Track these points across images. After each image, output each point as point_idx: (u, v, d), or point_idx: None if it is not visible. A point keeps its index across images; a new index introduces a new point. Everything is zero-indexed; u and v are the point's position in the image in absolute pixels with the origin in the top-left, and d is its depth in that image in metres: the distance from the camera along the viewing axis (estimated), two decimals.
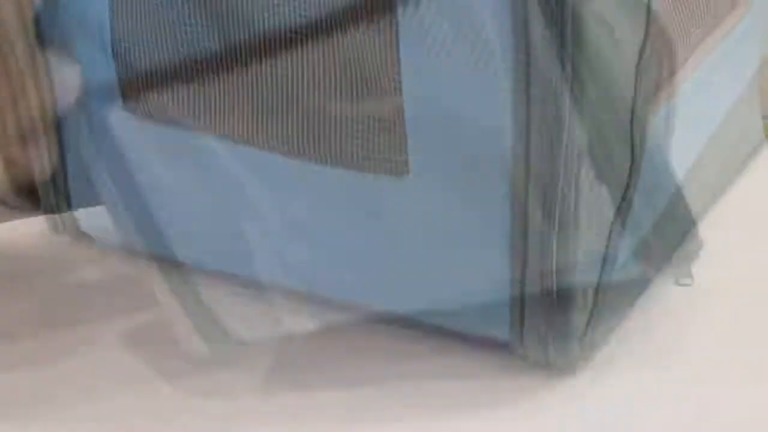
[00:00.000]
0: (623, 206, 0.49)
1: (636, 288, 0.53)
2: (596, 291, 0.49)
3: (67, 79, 0.55)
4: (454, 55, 0.45)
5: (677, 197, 0.53)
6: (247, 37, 0.51)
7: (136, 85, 0.53)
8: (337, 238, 0.52)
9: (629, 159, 0.49)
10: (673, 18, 0.52)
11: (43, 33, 0.54)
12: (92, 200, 0.57)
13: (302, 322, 0.54)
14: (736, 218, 0.61)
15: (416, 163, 0.48)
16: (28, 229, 0.61)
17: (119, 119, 0.54)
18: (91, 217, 0.58)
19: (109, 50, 0.53)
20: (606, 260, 0.49)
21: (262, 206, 0.53)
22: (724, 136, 0.60)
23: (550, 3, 0.42)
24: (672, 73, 0.53)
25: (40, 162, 0.56)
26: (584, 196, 0.47)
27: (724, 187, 0.63)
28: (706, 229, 0.56)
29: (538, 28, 0.42)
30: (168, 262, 0.57)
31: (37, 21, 0.54)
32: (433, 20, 0.45)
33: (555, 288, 0.48)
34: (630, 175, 0.49)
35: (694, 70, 0.54)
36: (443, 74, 0.46)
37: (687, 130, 0.54)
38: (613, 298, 0.50)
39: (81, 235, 0.59)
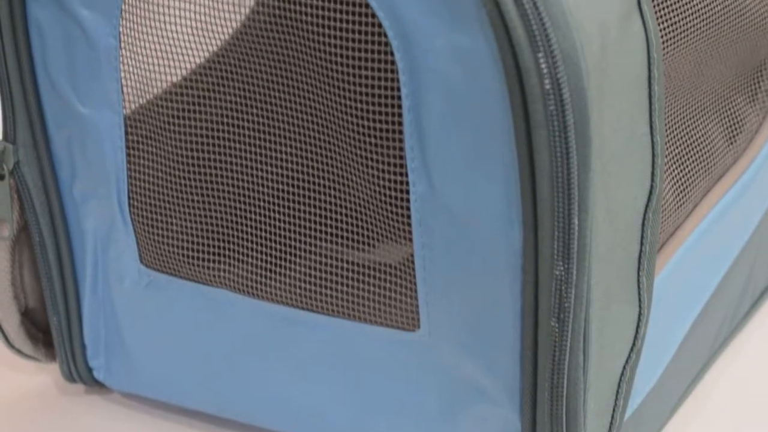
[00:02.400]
0: (632, 357, 0.50)
1: None
2: None
3: None
4: (464, 209, 0.46)
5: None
6: (259, 191, 0.52)
7: (151, 242, 0.54)
8: (342, 390, 0.52)
9: (637, 309, 0.49)
10: (678, 169, 0.53)
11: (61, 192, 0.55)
12: (107, 350, 0.58)
13: None
14: (745, 364, 0.61)
15: (426, 316, 0.49)
16: (42, 379, 0.62)
17: (135, 272, 0.55)
18: (105, 366, 0.58)
19: (126, 210, 0.54)
20: (615, 412, 0.50)
21: (270, 357, 0.53)
22: (732, 283, 0.60)
23: (555, 162, 0.43)
24: (679, 222, 0.54)
25: (55, 311, 0.57)
26: (594, 353, 0.47)
27: (732, 333, 0.63)
28: (714, 378, 0.56)
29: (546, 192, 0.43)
30: (183, 412, 0.58)
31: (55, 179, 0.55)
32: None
33: None
34: (638, 327, 0.50)
35: (701, 220, 0.55)
36: (454, 224, 0.47)
37: (691, 280, 0.55)
38: None
39: (95, 384, 0.60)
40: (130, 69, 0.52)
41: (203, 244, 0.54)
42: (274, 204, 0.52)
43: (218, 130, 0.53)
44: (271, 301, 0.52)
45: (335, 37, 0.47)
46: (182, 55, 0.52)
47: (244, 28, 0.54)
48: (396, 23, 0.44)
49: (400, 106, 0.46)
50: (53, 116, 0.53)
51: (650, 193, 0.48)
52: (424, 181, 0.46)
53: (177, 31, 0.51)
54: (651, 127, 0.48)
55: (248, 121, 0.52)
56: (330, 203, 0.51)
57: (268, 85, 0.51)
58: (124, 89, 0.52)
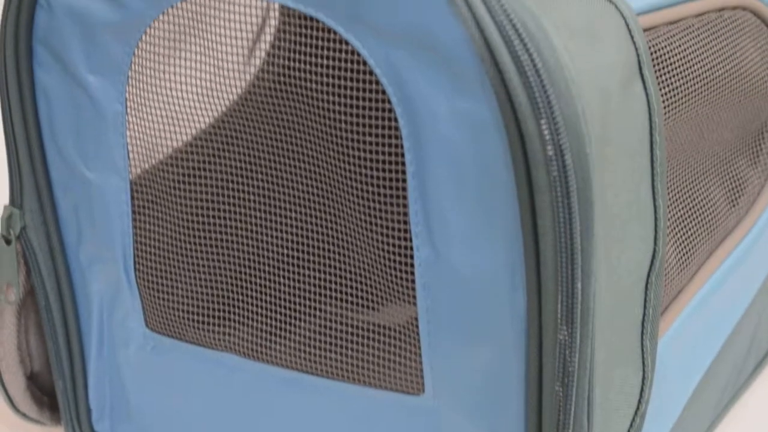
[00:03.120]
0: (636, 421, 0.50)
1: None
2: None
3: None
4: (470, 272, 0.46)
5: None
6: (263, 254, 0.52)
7: (156, 306, 0.54)
8: None
9: (641, 373, 0.49)
10: (681, 232, 0.53)
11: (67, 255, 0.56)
12: (112, 413, 0.58)
13: None
14: (749, 426, 0.61)
15: (430, 380, 0.49)
16: None
17: (140, 336, 0.55)
18: (110, 430, 0.58)
19: (132, 274, 0.54)
20: None
21: (274, 420, 0.53)
22: (735, 345, 0.60)
23: (560, 233, 0.43)
24: (682, 285, 0.54)
25: (61, 375, 0.57)
26: (598, 417, 0.47)
27: (736, 394, 0.63)
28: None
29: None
30: None
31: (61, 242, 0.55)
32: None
33: None
34: (642, 390, 0.50)
35: (704, 282, 0.55)
36: (458, 289, 0.47)
37: (695, 343, 0.55)
38: None
39: None
40: (136, 133, 0.52)
41: (208, 308, 0.54)
42: (278, 267, 0.52)
43: (223, 194, 0.54)
44: (275, 365, 0.52)
45: (339, 104, 0.47)
46: (187, 119, 0.52)
47: (248, 93, 0.54)
48: (400, 90, 0.44)
49: (404, 172, 0.46)
50: (60, 181, 0.53)
51: (653, 256, 0.48)
52: (428, 245, 0.46)
53: (182, 96, 0.51)
54: (653, 191, 0.48)
55: (253, 184, 0.52)
56: (334, 266, 0.51)
57: (272, 149, 0.51)
58: (130, 154, 0.52)
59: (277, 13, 0.60)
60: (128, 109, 0.51)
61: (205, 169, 0.54)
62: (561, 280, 0.43)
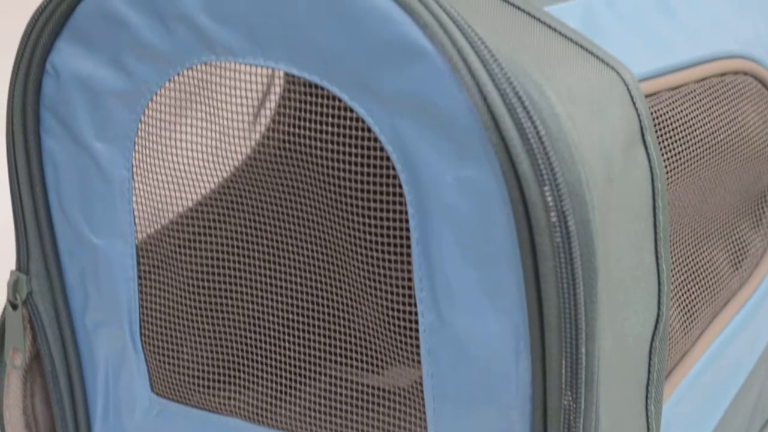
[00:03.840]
0: None
1: None
2: None
3: None
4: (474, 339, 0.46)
5: None
6: (268, 318, 0.53)
7: (161, 370, 0.54)
8: None
9: None
10: (685, 296, 0.54)
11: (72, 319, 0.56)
12: None
13: None
14: None
15: None
16: None
17: (146, 401, 0.55)
18: None
19: (138, 338, 0.54)
20: None
21: None
22: (740, 408, 0.60)
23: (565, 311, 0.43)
24: (686, 349, 0.54)
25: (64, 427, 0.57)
26: None
27: None
28: None
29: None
30: None
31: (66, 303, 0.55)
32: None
33: None
34: None
35: (708, 345, 0.55)
36: (463, 354, 0.47)
37: (699, 407, 0.55)
38: None
39: None
40: (142, 198, 0.52)
41: (213, 372, 0.54)
42: (283, 330, 0.52)
43: (227, 258, 0.54)
44: (281, 429, 0.52)
45: (344, 170, 0.48)
46: (192, 183, 0.52)
47: (252, 157, 0.55)
48: (404, 157, 0.45)
49: (408, 237, 0.46)
50: (66, 247, 0.54)
51: (657, 321, 0.49)
52: (433, 311, 0.46)
53: (187, 161, 0.52)
54: (657, 256, 0.48)
55: (257, 248, 0.53)
56: (339, 330, 0.51)
57: (276, 213, 0.52)
58: (136, 219, 0.52)
59: (281, 80, 0.60)
60: (134, 175, 0.52)
61: (209, 233, 0.55)
62: (565, 346, 0.44)
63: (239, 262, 0.54)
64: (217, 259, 0.54)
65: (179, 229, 0.54)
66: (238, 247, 0.53)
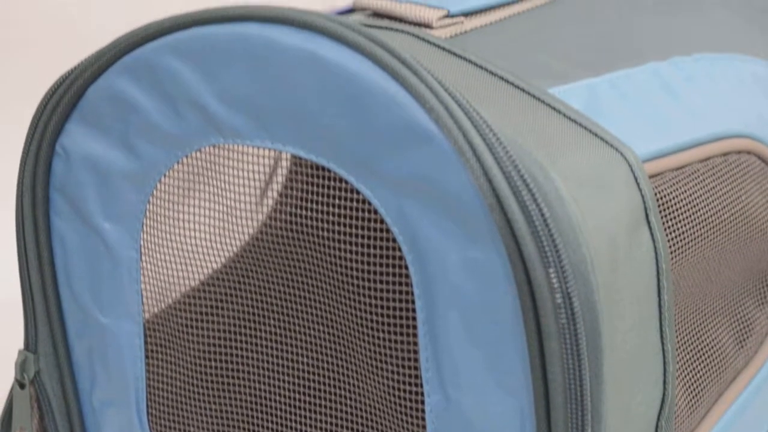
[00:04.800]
0: None
1: None
2: None
3: None
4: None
5: None
6: (274, 398, 0.53)
7: None
8: None
9: None
10: (690, 375, 0.54)
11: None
12: None
13: None
14: None
15: None
16: None
17: None
18: None
19: (145, 418, 0.54)
20: None
21: None
22: None
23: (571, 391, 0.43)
24: (692, 428, 0.54)
25: None
26: None
27: None
28: None
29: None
30: None
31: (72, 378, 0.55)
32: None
33: None
34: None
35: (714, 424, 0.55)
36: (469, 430, 0.47)
37: None
38: None
39: None
40: (149, 278, 0.53)
41: None
42: (290, 410, 0.52)
43: (233, 337, 0.54)
44: None
45: (350, 251, 0.48)
46: (199, 261, 0.53)
47: (259, 235, 0.55)
48: (410, 238, 0.45)
49: (414, 318, 0.46)
50: (74, 327, 0.54)
51: (662, 400, 0.49)
52: (439, 391, 0.46)
53: (194, 239, 0.52)
54: (662, 336, 0.48)
55: (263, 327, 0.53)
56: (345, 410, 0.51)
57: (283, 292, 0.52)
58: (144, 297, 0.53)
59: (287, 162, 0.61)
60: (142, 254, 0.52)
61: (216, 312, 0.55)
62: (571, 426, 0.44)
63: (246, 341, 0.54)
64: (224, 338, 0.54)
65: (185, 309, 0.54)
66: (244, 327, 0.54)
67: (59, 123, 0.51)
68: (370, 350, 0.49)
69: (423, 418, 0.48)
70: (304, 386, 0.52)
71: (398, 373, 0.48)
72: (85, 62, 0.50)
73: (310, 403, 0.52)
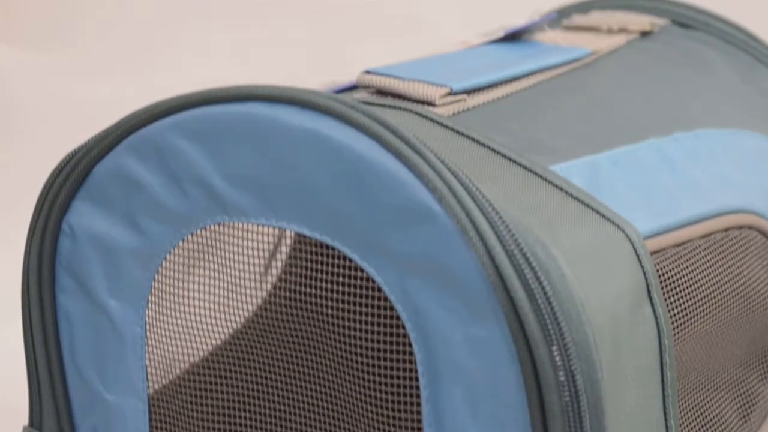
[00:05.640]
0: None
1: None
2: None
3: None
4: None
5: None
6: None
7: None
8: None
9: None
10: None
11: None
12: None
13: None
14: None
15: None
16: None
17: None
18: None
19: None
20: None
21: None
22: None
23: None
24: None
25: None
26: None
27: None
28: None
29: None
30: None
31: None
32: None
33: None
34: None
35: None
36: None
37: None
38: None
39: None
40: (154, 354, 0.53)
41: None
42: None
43: (237, 413, 0.54)
44: None
45: (353, 328, 0.48)
46: (203, 336, 0.53)
47: (262, 310, 0.55)
48: (414, 316, 0.45)
49: (418, 396, 0.47)
50: (79, 404, 0.54)
51: None
52: None
53: (199, 314, 0.52)
54: (665, 412, 0.48)
55: (267, 403, 0.53)
56: None
57: (286, 367, 0.52)
58: (148, 373, 0.53)
59: (290, 240, 0.61)
60: (147, 330, 0.52)
61: (220, 387, 0.55)
62: None
63: (250, 417, 0.54)
64: (228, 413, 0.55)
65: (190, 383, 0.55)
66: (248, 401, 0.54)
67: (66, 201, 0.51)
68: (374, 427, 0.49)
69: None
70: None
71: None
72: (91, 141, 0.51)
73: None
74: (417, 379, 0.46)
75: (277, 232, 0.57)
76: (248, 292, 0.52)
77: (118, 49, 1.08)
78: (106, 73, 1.07)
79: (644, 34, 0.69)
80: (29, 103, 1.07)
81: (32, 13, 1.07)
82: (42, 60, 1.07)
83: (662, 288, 0.50)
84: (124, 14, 1.08)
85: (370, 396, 0.49)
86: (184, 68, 1.07)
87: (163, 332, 0.53)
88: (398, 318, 0.46)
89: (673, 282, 0.51)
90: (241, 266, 0.51)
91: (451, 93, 0.54)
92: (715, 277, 0.53)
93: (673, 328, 0.50)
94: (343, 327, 0.49)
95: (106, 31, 1.08)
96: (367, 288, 0.48)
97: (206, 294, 0.52)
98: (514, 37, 0.66)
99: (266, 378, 0.53)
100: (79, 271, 0.52)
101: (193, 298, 0.52)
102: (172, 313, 0.52)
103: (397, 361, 0.48)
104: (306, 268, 0.50)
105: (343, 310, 0.48)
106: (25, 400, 0.58)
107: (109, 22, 1.08)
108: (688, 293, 0.51)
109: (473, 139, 0.50)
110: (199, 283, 0.52)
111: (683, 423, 0.53)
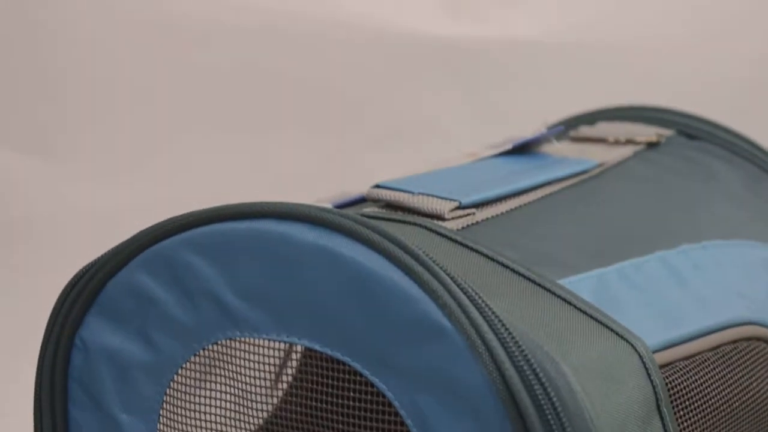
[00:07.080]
0: None
1: None
2: None
3: None
4: None
5: None
6: None
7: None
8: None
9: None
10: None
11: None
12: None
13: None
14: None
15: None
16: None
17: None
18: None
19: None
20: None
21: None
22: None
23: None
24: None
25: None
26: None
27: None
28: None
29: None
30: None
31: None
32: None
33: None
34: None
35: None
36: None
37: None
38: None
39: None
40: None
41: None
42: None
43: None
44: None
45: None
46: None
47: (272, 422, 0.55)
48: (424, 430, 0.45)
49: None
50: None
51: None
52: None
53: (209, 427, 0.52)
54: None
55: None
56: None
57: None
58: None
59: (299, 354, 0.62)
60: None
61: None
62: None
63: None
64: None
65: None
66: None
67: (79, 315, 0.52)
68: None
69: None
70: None
71: None
72: (105, 256, 0.51)
73: None
74: None
75: (284, 347, 0.57)
76: (257, 405, 0.52)
77: (128, 158, 1.09)
78: (112, 183, 1.08)
79: (651, 145, 0.70)
80: (37, 212, 1.08)
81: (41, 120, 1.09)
82: (54, 169, 1.08)
83: (672, 402, 0.50)
84: (134, 121, 1.09)
85: None
86: (195, 177, 1.08)
87: None
88: (403, 423, 0.46)
89: (683, 395, 0.51)
90: (251, 379, 0.51)
91: (460, 207, 0.55)
92: (724, 389, 0.53)
93: None
94: None
95: (115, 138, 1.09)
96: (377, 403, 0.48)
97: (215, 408, 0.52)
98: (521, 148, 0.67)
99: None
100: (91, 385, 0.52)
101: (203, 412, 0.52)
102: (183, 426, 0.52)
103: None
104: (316, 382, 0.50)
105: (353, 425, 0.49)
106: None
107: (117, 129, 1.09)
108: (698, 406, 0.51)
109: (482, 254, 0.51)
110: (208, 396, 0.52)
111: None
